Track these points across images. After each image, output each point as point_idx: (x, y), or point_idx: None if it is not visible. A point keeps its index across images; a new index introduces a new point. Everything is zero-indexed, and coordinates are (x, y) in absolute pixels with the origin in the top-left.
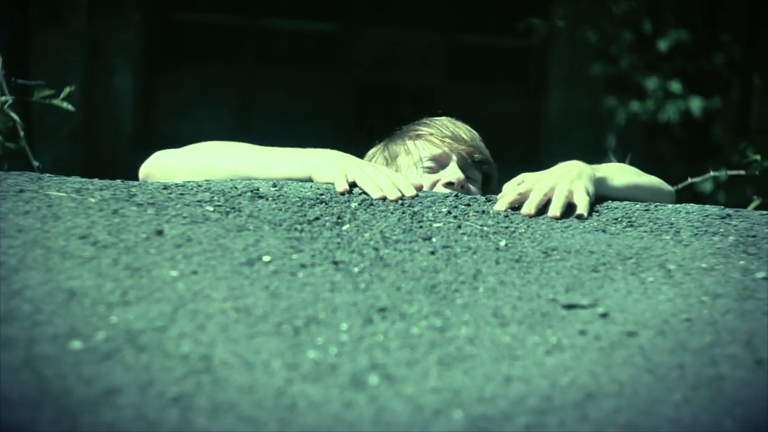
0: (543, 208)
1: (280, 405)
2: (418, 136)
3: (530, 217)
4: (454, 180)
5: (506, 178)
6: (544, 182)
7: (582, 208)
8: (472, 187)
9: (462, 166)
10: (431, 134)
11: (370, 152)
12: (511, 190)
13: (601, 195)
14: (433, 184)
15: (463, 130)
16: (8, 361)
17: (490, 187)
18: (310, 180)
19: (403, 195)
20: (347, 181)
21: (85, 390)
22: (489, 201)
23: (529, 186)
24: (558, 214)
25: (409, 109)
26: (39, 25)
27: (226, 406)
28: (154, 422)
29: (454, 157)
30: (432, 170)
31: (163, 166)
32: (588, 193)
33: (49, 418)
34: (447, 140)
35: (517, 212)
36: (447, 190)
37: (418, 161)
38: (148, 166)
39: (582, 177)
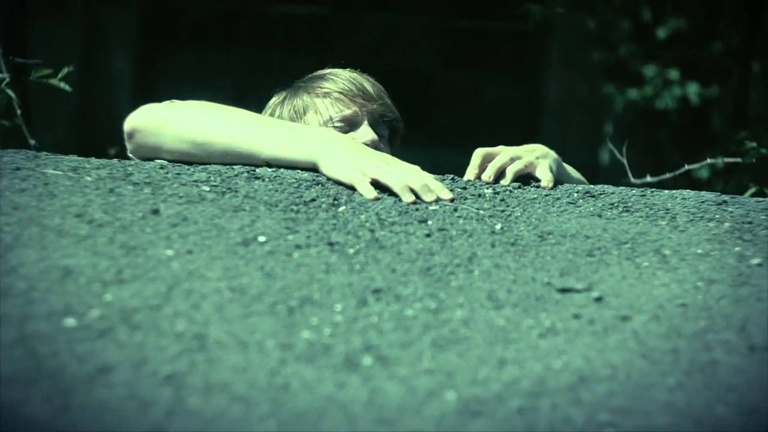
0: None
1: (273, 385)
2: (327, 95)
3: (487, 182)
4: (368, 141)
5: None
6: (510, 151)
7: (546, 181)
8: (382, 146)
9: (372, 125)
10: (341, 93)
11: (272, 102)
12: (476, 155)
13: (558, 180)
14: None
15: (370, 86)
16: (2, 338)
17: (396, 140)
18: (314, 168)
19: (438, 198)
20: (368, 179)
21: (79, 368)
22: (486, 185)
23: (494, 151)
24: (509, 180)
25: (405, 94)
26: (37, 8)
27: (219, 386)
28: (147, 401)
29: (366, 117)
30: (342, 130)
31: (154, 124)
32: (551, 170)
33: (42, 396)
34: (357, 99)
35: (512, 196)
36: None
37: (328, 120)
38: (137, 119)
39: (548, 157)
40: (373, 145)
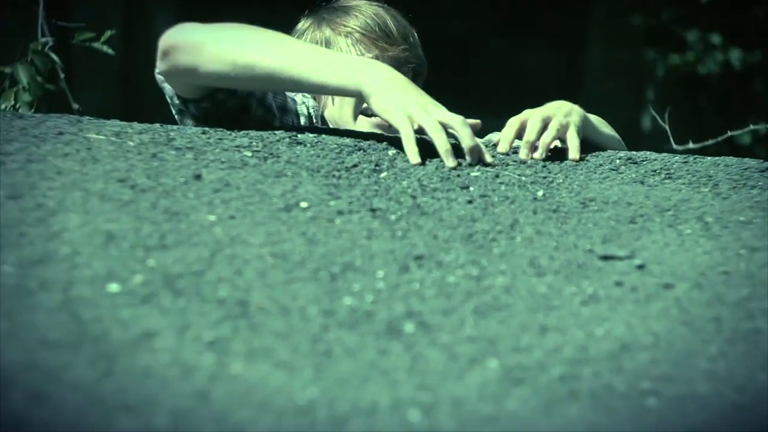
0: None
1: (316, 351)
2: (349, 34)
3: (528, 145)
4: None
5: None
6: (537, 116)
7: (573, 151)
8: None
9: (395, 69)
10: (362, 34)
11: (299, 27)
12: (510, 126)
13: (585, 137)
14: None
15: (395, 25)
16: (46, 302)
17: (417, 82)
18: (361, 97)
19: (481, 160)
20: (413, 125)
21: (122, 333)
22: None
23: (523, 117)
24: (542, 152)
25: (446, 59)
26: None
27: (262, 352)
28: (190, 366)
29: (387, 62)
30: None
31: (194, 43)
32: (578, 134)
33: (85, 361)
34: (380, 43)
35: (554, 162)
36: None
37: None
38: (175, 36)
39: (572, 115)
40: None
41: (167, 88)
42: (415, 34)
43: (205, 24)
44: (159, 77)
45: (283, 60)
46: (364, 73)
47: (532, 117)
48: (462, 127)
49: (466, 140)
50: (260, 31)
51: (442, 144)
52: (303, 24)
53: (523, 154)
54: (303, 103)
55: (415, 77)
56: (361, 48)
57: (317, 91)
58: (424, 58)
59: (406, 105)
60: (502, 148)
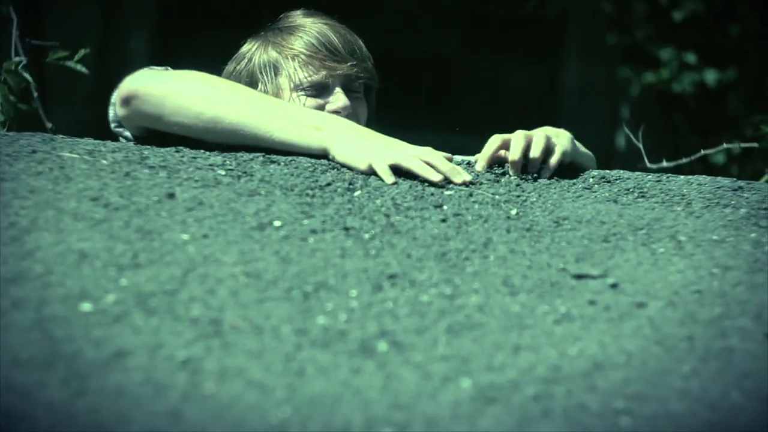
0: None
1: (288, 370)
2: (295, 57)
3: (515, 165)
4: (339, 109)
5: None
6: (521, 133)
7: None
8: (359, 110)
9: (345, 87)
10: (309, 54)
11: (244, 50)
12: (492, 143)
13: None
14: (319, 108)
15: (342, 42)
16: (19, 321)
17: (371, 95)
18: (324, 155)
19: (465, 181)
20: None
21: (95, 352)
22: (502, 170)
23: (506, 136)
24: (538, 153)
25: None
26: None
27: (234, 371)
28: (162, 385)
29: (337, 81)
30: (311, 95)
31: (159, 93)
32: (565, 154)
33: (58, 379)
34: (327, 63)
35: (528, 181)
36: None
37: (298, 86)
38: (138, 84)
39: (560, 136)
40: (347, 111)
41: (123, 134)
42: (363, 47)
43: (165, 71)
44: (113, 124)
45: (247, 118)
46: (327, 129)
47: (515, 136)
48: (431, 155)
49: (441, 167)
50: (224, 84)
51: (418, 167)
52: (249, 46)
53: (512, 172)
54: None
55: (367, 91)
56: (308, 70)
57: (281, 148)
58: (373, 71)
59: (373, 149)
60: (480, 166)
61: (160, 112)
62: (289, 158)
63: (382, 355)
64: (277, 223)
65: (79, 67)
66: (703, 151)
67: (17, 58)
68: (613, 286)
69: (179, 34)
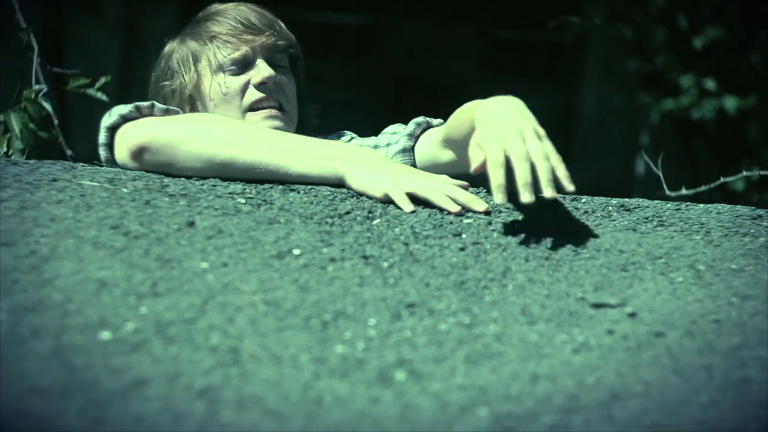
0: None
1: (306, 400)
2: (213, 38)
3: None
4: (264, 79)
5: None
6: (510, 148)
7: (565, 181)
8: (284, 78)
9: (268, 59)
10: (227, 33)
11: (165, 52)
12: (494, 171)
13: None
14: (244, 86)
15: (257, 17)
16: (38, 350)
17: (298, 68)
18: (340, 183)
19: (486, 210)
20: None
21: (114, 381)
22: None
23: (498, 157)
24: (547, 193)
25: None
26: (73, 10)
27: (252, 400)
28: (181, 414)
29: (258, 53)
30: (236, 72)
31: (168, 142)
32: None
33: (77, 408)
34: (244, 36)
35: (547, 209)
36: (261, 94)
37: (220, 67)
38: (145, 136)
39: (525, 118)
40: (272, 80)
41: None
42: (282, 24)
43: (166, 117)
44: (107, 164)
45: (260, 156)
46: (342, 158)
47: (513, 155)
48: (448, 185)
49: (459, 197)
50: (232, 124)
51: (436, 196)
52: (169, 47)
53: (528, 198)
54: None
55: (293, 61)
56: (229, 48)
57: (296, 181)
58: (295, 41)
59: (389, 177)
60: (500, 199)
61: (173, 160)
62: (309, 186)
63: (400, 384)
64: (296, 252)
65: (99, 94)
66: (722, 179)
67: (37, 86)
68: (632, 315)
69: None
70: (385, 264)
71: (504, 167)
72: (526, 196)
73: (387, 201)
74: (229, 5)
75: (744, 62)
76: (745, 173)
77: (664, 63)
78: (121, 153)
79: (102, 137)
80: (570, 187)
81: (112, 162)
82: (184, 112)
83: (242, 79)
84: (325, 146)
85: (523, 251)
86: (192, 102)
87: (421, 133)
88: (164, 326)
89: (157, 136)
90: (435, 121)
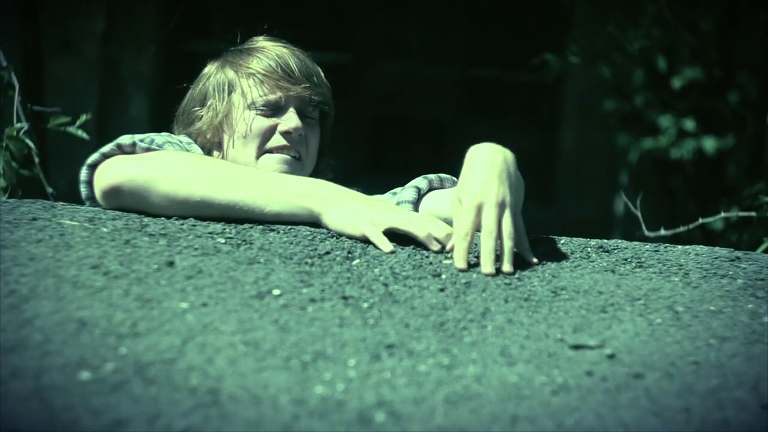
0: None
1: None
2: (251, 75)
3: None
4: (291, 129)
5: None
6: (485, 217)
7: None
8: (310, 130)
9: (299, 110)
10: (266, 75)
11: (205, 72)
12: (460, 240)
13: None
14: (270, 129)
15: (298, 65)
16: (17, 390)
17: (326, 124)
18: (316, 222)
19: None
20: (380, 230)
21: (94, 421)
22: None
23: (468, 226)
24: (505, 268)
25: (422, 141)
26: (52, 52)
27: None
28: None
29: (291, 102)
30: (267, 114)
31: (142, 183)
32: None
33: None
34: (282, 83)
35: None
36: (284, 141)
37: (252, 104)
38: (118, 177)
39: (504, 192)
40: (298, 132)
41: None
42: (321, 74)
43: (140, 155)
44: (87, 202)
45: (235, 195)
46: (313, 198)
47: (483, 229)
48: (425, 221)
49: (439, 234)
50: (206, 162)
51: (419, 231)
52: (209, 69)
53: (488, 269)
54: (190, 143)
55: (323, 117)
56: (263, 89)
57: (271, 220)
58: (329, 97)
59: (366, 215)
60: (461, 264)
61: (147, 201)
62: (288, 227)
63: (379, 426)
64: (276, 292)
65: (80, 132)
66: (701, 220)
67: (19, 125)
68: (611, 356)
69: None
70: (365, 304)
71: (471, 238)
72: (486, 268)
73: (364, 240)
74: (273, 45)
75: (722, 103)
76: (723, 214)
77: (642, 103)
78: (96, 193)
79: (83, 174)
80: (531, 259)
81: (92, 199)
82: (207, 139)
83: (270, 122)
84: (300, 184)
85: (502, 292)
86: (216, 130)
87: (429, 191)
88: (144, 366)
89: (131, 177)
90: (447, 181)
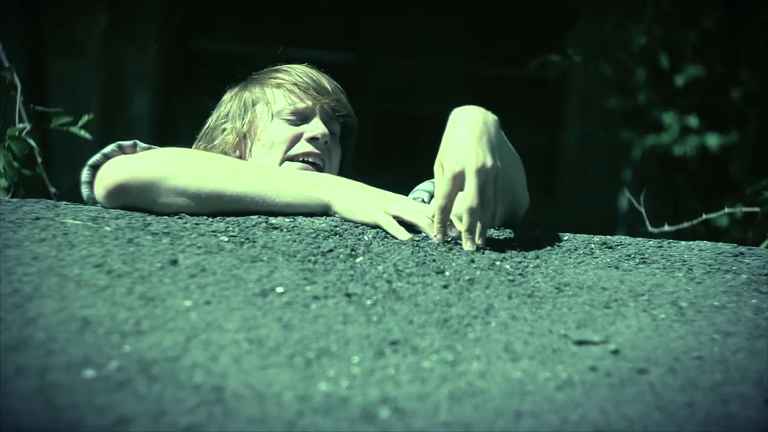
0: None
1: None
2: (279, 85)
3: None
4: (318, 135)
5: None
6: (467, 194)
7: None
8: (333, 148)
9: (324, 120)
10: (294, 84)
11: (225, 98)
12: (439, 214)
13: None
14: (296, 137)
15: (326, 81)
16: (21, 389)
17: (349, 139)
18: (326, 212)
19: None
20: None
21: (98, 419)
22: (503, 235)
23: (444, 199)
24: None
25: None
26: (56, 51)
27: None
28: None
29: (318, 111)
30: (293, 123)
31: (149, 180)
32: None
33: None
34: (311, 92)
35: (531, 248)
36: (310, 147)
37: (279, 112)
38: (123, 175)
39: (486, 160)
40: (323, 140)
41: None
42: (345, 96)
43: (142, 154)
44: (89, 201)
45: (244, 188)
46: (327, 186)
47: (465, 204)
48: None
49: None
50: (212, 158)
51: (422, 220)
52: (229, 94)
53: (469, 246)
54: None
55: (346, 131)
56: (292, 97)
57: (281, 211)
58: (354, 115)
59: (376, 202)
60: (438, 237)
61: (155, 197)
62: (292, 224)
63: (383, 422)
64: (279, 290)
65: (82, 132)
66: (705, 216)
67: (21, 125)
68: (615, 352)
69: (181, 98)
70: (369, 302)
71: (449, 208)
72: (467, 245)
73: (374, 226)
74: (301, 65)
75: (725, 99)
76: (727, 210)
77: (645, 100)
78: (99, 192)
79: (84, 175)
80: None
81: (93, 200)
82: (230, 150)
83: (296, 130)
84: (307, 176)
85: (506, 289)
86: (239, 141)
87: None
88: (148, 364)
89: (135, 174)
90: None
